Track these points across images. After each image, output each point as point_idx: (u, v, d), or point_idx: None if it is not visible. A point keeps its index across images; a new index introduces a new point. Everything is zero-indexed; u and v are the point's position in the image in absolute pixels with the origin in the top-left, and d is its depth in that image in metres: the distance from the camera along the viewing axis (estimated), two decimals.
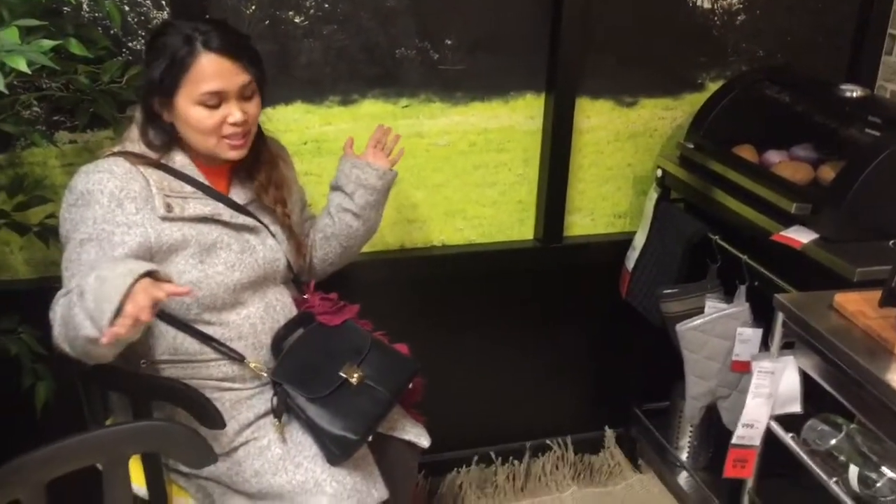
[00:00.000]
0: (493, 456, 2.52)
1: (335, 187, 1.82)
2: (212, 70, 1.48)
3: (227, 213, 1.57)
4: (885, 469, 1.44)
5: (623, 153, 2.37)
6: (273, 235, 1.65)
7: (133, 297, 1.20)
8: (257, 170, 1.64)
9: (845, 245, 1.72)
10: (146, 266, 1.26)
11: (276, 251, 1.64)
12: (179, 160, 1.56)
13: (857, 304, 1.51)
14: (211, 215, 1.55)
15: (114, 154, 1.52)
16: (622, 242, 2.38)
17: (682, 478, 2.33)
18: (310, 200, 2.10)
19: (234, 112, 1.52)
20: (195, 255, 1.52)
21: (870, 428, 1.42)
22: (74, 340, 1.30)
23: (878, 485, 1.45)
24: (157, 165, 1.53)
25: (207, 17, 1.86)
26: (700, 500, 2.23)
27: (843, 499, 1.44)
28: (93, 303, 1.22)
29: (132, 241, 1.45)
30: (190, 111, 1.50)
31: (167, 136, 1.55)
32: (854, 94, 1.96)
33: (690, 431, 2.33)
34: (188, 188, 1.54)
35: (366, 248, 2.21)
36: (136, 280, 1.22)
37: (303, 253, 1.72)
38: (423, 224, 2.28)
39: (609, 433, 2.61)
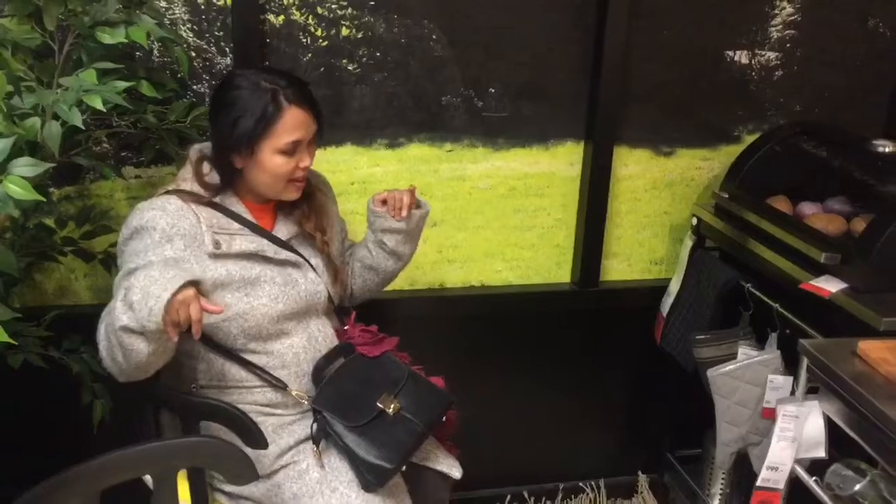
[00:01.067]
0: (525, 496, 2.55)
1: (370, 227, 1.89)
2: (295, 122, 1.61)
3: (270, 250, 1.67)
4: None
5: (660, 201, 2.44)
6: (314, 269, 1.74)
7: (174, 304, 1.36)
8: (301, 201, 1.74)
9: (873, 295, 1.75)
10: (193, 274, 1.40)
11: (318, 284, 1.73)
12: (227, 199, 1.67)
13: (880, 352, 1.55)
14: (256, 251, 1.65)
15: (168, 192, 1.63)
16: (658, 288, 2.43)
17: None
18: (355, 237, 2.21)
19: (305, 158, 1.66)
20: (241, 289, 1.62)
21: (892, 473, 1.44)
22: (111, 341, 1.41)
23: None
24: (208, 203, 1.64)
25: (270, 66, 1.99)
26: None
27: None
28: (139, 294, 1.36)
29: None
30: (270, 160, 1.61)
31: (229, 181, 1.66)
32: (887, 150, 2.00)
33: (722, 479, 2.34)
34: (235, 225, 1.65)
35: (407, 286, 2.31)
36: (183, 286, 1.36)
37: (341, 281, 1.81)
38: (462, 264, 2.36)
39: (642, 478, 2.63)
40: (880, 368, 1.52)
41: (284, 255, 1.69)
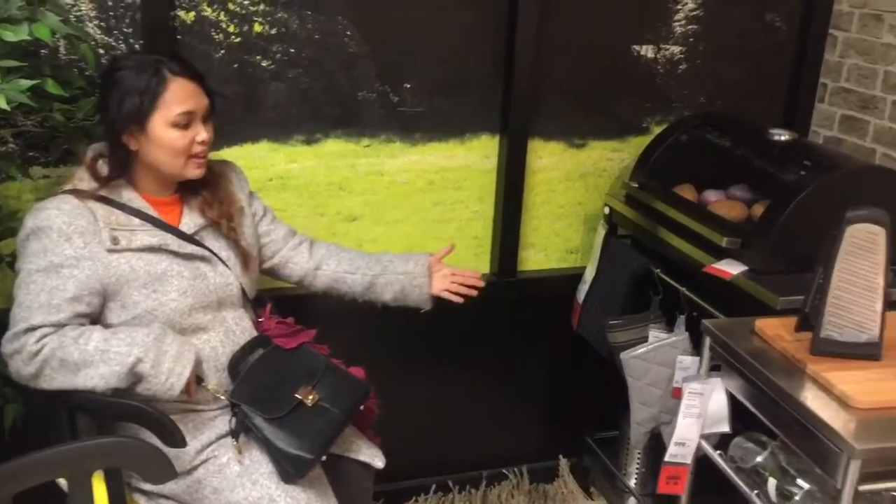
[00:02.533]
0: (450, 485, 2.59)
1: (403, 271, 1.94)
2: (183, 92, 1.62)
3: (174, 243, 1.67)
4: (801, 482, 1.54)
5: (574, 192, 2.50)
6: (224, 262, 1.74)
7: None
8: (203, 189, 1.75)
9: (771, 276, 1.85)
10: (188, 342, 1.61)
11: (228, 277, 1.73)
12: (126, 195, 1.66)
13: (776, 329, 1.63)
14: (159, 245, 1.64)
15: (63, 192, 1.62)
16: (573, 276, 2.50)
17: (631, 503, 2.42)
18: None
19: (201, 132, 1.66)
20: (147, 285, 1.62)
21: (789, 444, 1.53)
22: (50, 364, 1.51)
23: (796, 497, 1.55)
24: (105, 201, 1.63)
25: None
26: None
27: None
28: (150, 367, 1.54)
29: (80, 273, 1.56)
30: (164, 133, 1.61)
31: (122, 167, 1.65)
32: (783, 138, 2.11)
33: (638, 458, 2.43)
34: (136, 221, 1.64)
35: None
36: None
37: (249, 269, 1.80)
38: None
39: (563, 462, 2.70)
40: (776, 345, 1.61)
41: (190, 248, 1.69)
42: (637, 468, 2.44)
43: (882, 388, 1.46)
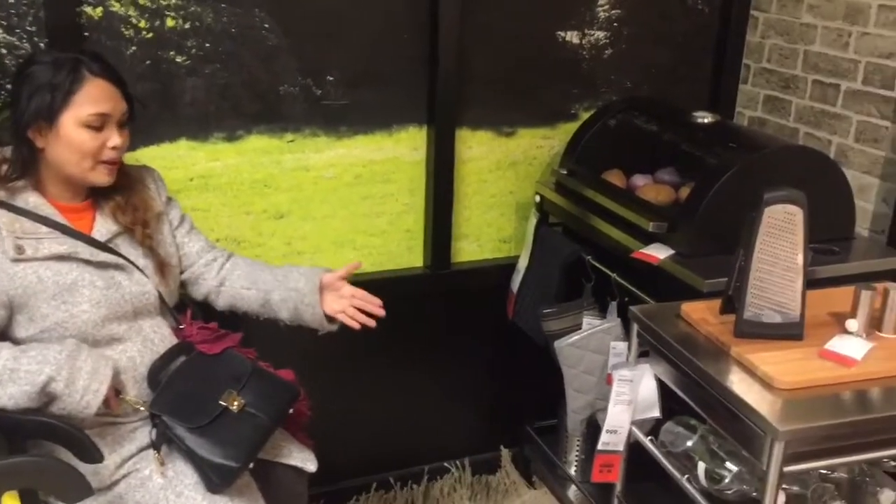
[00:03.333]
0: (392, 481, 2.56)
1: (282, 289, 1.81)
2: (99, 93, 1.56)
3: (86, 251, 1.59)
4: (729, 464, 1.55)
5: (505, 181, 2.48)
6: (141, 270, 1.67)
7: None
8: (115, 194, 1.68)
9: (697, 259, 1.85)
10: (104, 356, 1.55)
11: (145, 285, 1.67)
12: (33, 200, 1.59)
13: (700, 313, 1.64)
14: (67, 254, 1.57)
15: None
16: (508, 266, 2.48)
17: (572, 491, 2.42)
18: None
19: (114, 137, 1.59)
20: (56, 296, 1.55)
21: (717, 428, 1.53)
22: None
23: (726, 480, 1.56)
24: (8, 207, 1.55)
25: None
26: None
27: (693, 494, 1.54)
28: (63, 385, 1.47)
29: None
30: (74, 133, 1.55)
31: (25, 165, 1.58)
32: (706, 121, 2.12)
33: (578, 446, 2.43)
34: (44, 229, 1.57)
35: None
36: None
37: (167, 278, 1.74)
38: (312, 255, 2.33)
39: (505, 453, 2.69)
40: (701, 328, 1.61)
41: (103, 256, 1.62)
42: (577, 456, 2.44)
43: (804, 368, 1.47)
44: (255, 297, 1.82)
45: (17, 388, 1.45)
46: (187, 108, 2.09)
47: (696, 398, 1.54)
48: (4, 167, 1.59)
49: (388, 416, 2.53)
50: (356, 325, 1.79)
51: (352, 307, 1.79)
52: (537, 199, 2.39)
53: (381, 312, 1.80)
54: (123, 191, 1.70)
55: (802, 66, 2.36)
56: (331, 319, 1.81)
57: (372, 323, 1.79)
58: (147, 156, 2.06)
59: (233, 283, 1.84)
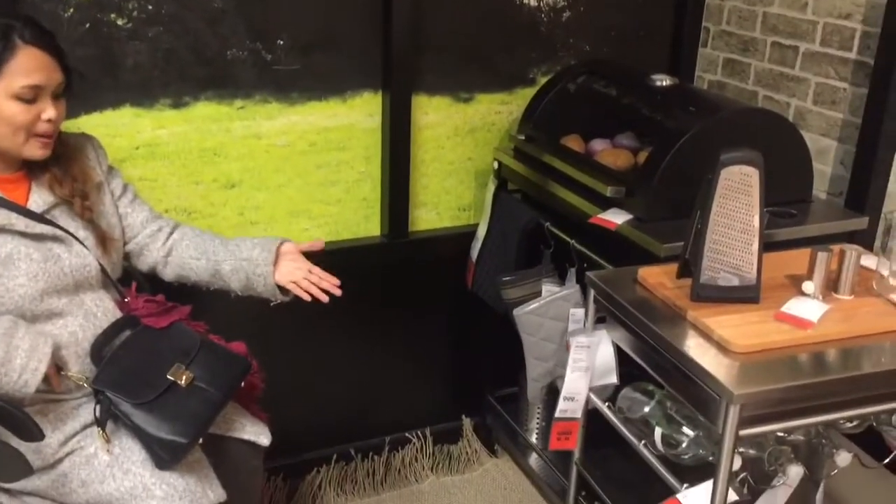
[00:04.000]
0: (352, 453, 2.53)
1: (235, 259, 1.74)
2: (33, 64, 1.47)
3: (21, 223, 1.53)
4: (686, 429, 1.54)
5: (463, 147, 2.44)
6: (81, 242, 1.61)
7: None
8: (52, 165, 1.60)
9: (655, 224, 1.83)
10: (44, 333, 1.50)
11: (85, 257, 1.60)
12: None
13: (657, 277, 1.62)
14: (1, 226, 1.50)
15: None
16: (467, 234, 2.44)
17: (533, 459, 2.41)
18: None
19: (48, 109, 1.51)
20: None
21: (673, 393, 1.52)
22: None
23: (683, 445, 1.55)
24: None
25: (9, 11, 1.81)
26: (549, 479, 2.32)
27: (649, 459, 1.53)
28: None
29: None
30: (4, 105, 1.47)
31: None
32: (664, 83, 2.08)
33: (538, 413, 2.42)
34: None
35: None
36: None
37: (109, 251, 1.68)
38: (266, 225, 2.27)
39: (466, 422, 2.67)
40: (657, 293, 1.59)
41: (40, 228, 1.55)
42: (538, 423, 2.43)
43: (760, 331, 1.45)
44: (204, 268, 1.76)
45: None
46: (130, 74, 2.02)
47: (652, 363, 1.52)
48: None
49: (347, 387, 2.49)
50: (307, 297, 1.73)
51: (306, 280, 1.73)
52: (496, 165, 2.35)
53: (338, 292, 1.74)
54: (61, 161, 1.62)
55: (761, 29, 2.34)
56: (284, 290, 1.75)
57: (325, 298, 1.73)
58: (89, 123, 1.98)
59: (180, 253, 1.78)
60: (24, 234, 1.53)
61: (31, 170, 1.60)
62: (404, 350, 2.54)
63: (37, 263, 1.53)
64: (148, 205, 1.81)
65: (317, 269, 1.75)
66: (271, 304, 1.77)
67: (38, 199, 1.58)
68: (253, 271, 1.72)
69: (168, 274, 1.80)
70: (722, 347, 1.43)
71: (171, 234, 1.80)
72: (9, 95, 1.47)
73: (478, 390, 2.63)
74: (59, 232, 1.58)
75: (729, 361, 1.40)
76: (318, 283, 1.73)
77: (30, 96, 1.48)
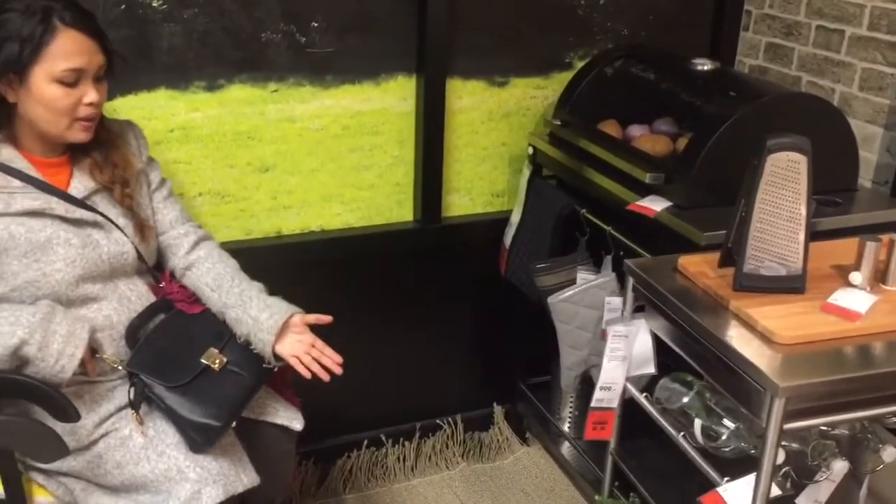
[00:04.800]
0: (383, 439, 2.53)
1: (242, 312, 1.66)
2: (73, 47, 1.46)
3: (60, 208, 1.52)
4: (726, 421, 1.51)
5: (497, 132, 2.41)
6: (120, 228, 1.60)
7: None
8: (94, 150, 1.60)
9: (695, 211, 1.79)
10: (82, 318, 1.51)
11: (124, 244, 1.60)
12: (6, 153, 1.51)
13: (698, 266, 1.58)
14: (41, 209, 1.50)
15: None
16: (500, 220, 2.42)
17: (566, 448, 2.39)
18: (180, 189, 2.08)
19: (90, 92, 1.50)
20: (29, 254, 1.48)
21: (714, 384, 1.49)
22: None
23: (723, 437, 1.51)
24: None
25: None
26: (582, 468, 2.30)
27: (689, 452, 1.50)
28: (36, 349, 1.42)
29: None
30: (45, 89, 1.46)
31: (1, 121, 1.49)
32: (705, 68, 2.04)
33: (571, 402, 2.40)
34: (16, 183, 1.50)
35: (241, 236, 2.21)
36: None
37: (147, 238, 1.67)
38: (299, 210, 2.26)
39: (497, 409, 2.65)
40: (698, 282, 1.55)
41: (80, 213, 1.55)
42: (570, 412, 2.41)
43: (806, 322, 1.42)
44: (214, 302, 1.68)
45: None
46: (165, 56, 2.01)
47: (693, 353, 1.49)
48: None
49: (379, 372, 2.48)
50: (307, 374, 1.64)
51: (308, 355, 1.64)
52: (530, 150, 2.32)
53: (339, 370, 1.66)
54: (103, 147, 1.62)
55: (806, 12, 2.27)
56: (278, 357, 1.65)
57: (326, 377, 1.64)
58: (124, 106, 1.98)
59: (199, 275, 1.72)
60: (63, 219, 1.53)
61: (73, 154, 1.60)
62: (436, 336, 2.53)
63: (75, 249, 1.52)
64: (180, 204, 1.79)
65: (319, 344, 1.66)
66: (263, 365, 1.67)
67: (80, 184, 1.58)
68: (255, 333, 1.62)
69: (184, 282, 1.74)
70: (766, 338, 1.39)
71: (195, 245, 1.75)
72: (50, 79, 1.46)
73: (509, 378, 2.61)
74: (98, 218, 1.57)
75: (773, 353, 1.37)
76: (320, 359, 1.65)
77: (71, 80, 1.47)
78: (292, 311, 1.67)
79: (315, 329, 1.72)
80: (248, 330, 1.63)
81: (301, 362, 1.64)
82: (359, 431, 2.50)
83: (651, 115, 2.20)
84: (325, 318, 1.70)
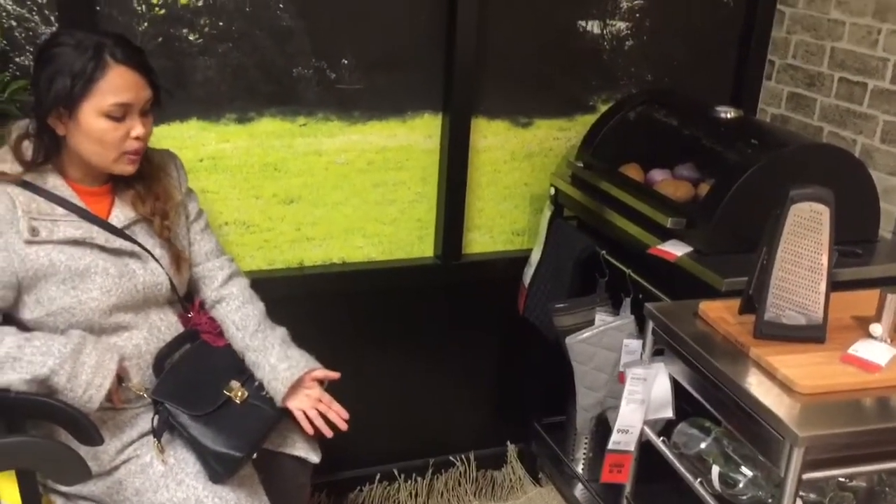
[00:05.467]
0: (396, 473, 2.53)
1: (263, 357, 1.69)
2: (122, 82, 1.50)
3: (101, 237, 1.55)
4: (744, 469, 1.50)
5: (520, 172, 2.44)
6: (157, 259, 1.63)
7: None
8: (136, 182, 1.64)
9: (716, 257, 1.80)
10: (109, 349, 1.53)
11: (159, 275, 1.63)
12: (52, 181, 1.54)
13: (719, 312, 1.59)
14: (83, 238, 1.53)
15: None
16: (520, 259, 2.43)
17: (579, 490, 2.38)
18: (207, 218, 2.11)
19: (136, 126, 1.54)
20: (67, 281, 1.51)
21: (732, 431, 1.49)
22: None
23: (740, 485, 1.51)
24: (28, 186, 1.51)
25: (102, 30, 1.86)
26: None
27: (706, 498, 1.50)
28: (66, 379, 1.45)
29: None
30: (94, 123, 1.49)
31: (48, 152, 1.53)
32: (728, 116, 2.06)
33: (585, 443, 2.39)
34: (60, 210, 1.53)
35: (263, 266, 2.24)
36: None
37: (182, 270, 1.70)
38: (322, 242, 2.29)
39: (511, 448, 2.65)
40: (719, 328, 1.56)
41: (119, 243, 1.58)
42: (584, 454, 2.40)
43: (826, 372, 1.42)
44: (238, 341, 1.71)
45: (17, 377, 1.43)
46: (199, 88, 2.05)
47: (712, 399, 1.49)
48: (26, 143, 1.54)
49: (393, 407, 2.49)
50: (310, 431, 1.67)
51: (314, 409, 1.67)
52: (552, 191, 2.34)
53: (343, 426, 1.69)
54: (145, 179, 1.65)
55: (829, 64, 2.30)
56: (283, 410, 1.68)
57: (329, 433, 1.67)
58: (157, 135, 1.99)
59: (227, 311, 1.75)
60: (102, 248, 1.56)
61: (115, 184, 1.63)
62: (452, 372, 2.53)
63: (112, 278, 1.55)
64: (215, 237, 1.82)
65: (326, 398, 1.69)
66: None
67: (120, 214, 1.61)
68: (270, 381, 1.66)
69: (212, 314, 1.77)
70: (786, 387, 1.40)
71: (227, 280, 1.78)
72: (99, 113, 1.49)
73: (524, 416, 2.61)
74: (136, 248, 1.60)
75: (792, 402, 1.37)
76: (326, 413, 1.68)
77: (119, 114, 1.51)
78: (310, 367, 1.70)
79: (332, 366, 1.75)
80: (262, 375, 1.67)
81: (306, 416, 1.66)
82: (372, 465, 2.51)
83: (673, 160, 2.23)
84: (333, 375, 1.74)
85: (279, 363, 1.67)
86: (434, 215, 2.38)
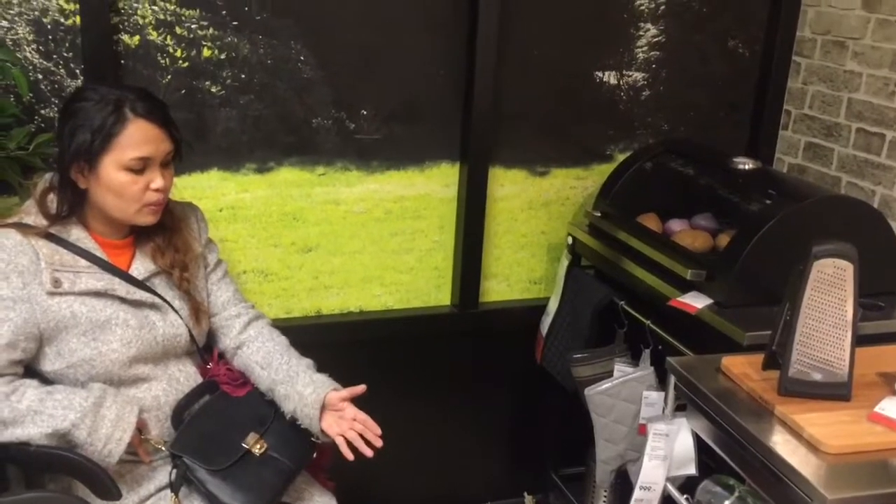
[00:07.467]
0: None
1: (291, 391, 1.67)
2: (141, 136, 1.51)
3: (122, 289, 1.56)
4: None
5: (537, 221, 2.44)
6: (176, 311, 1.64)
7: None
8: (156, 234, 1.64)
9: (737, 310, 1.79)
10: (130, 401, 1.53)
11: (179, 327, 1.63)
12: (76, 233, 1.56)
13: (742, 367, 1.57)
14: (104, 290, 1.54)
15: (6, 226, 1.52)
16: (537, 308, 2.43)
17: None
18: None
19: (156, 179, 1.55)
20: (87, 333, 1.52)
21: (757, 489, 1.46)
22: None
23: None
24: (51, 238, 1.52)
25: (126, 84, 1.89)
26: None
27: None
28: (86, 434, 1.45)
29: (17, 317, 1.46)
30: (114, 176, 1.51)
31: (72, 205, 1.55)
32: (747, 167, 2.06)
33: (605, 496, 2.35)
34: (82, 262, 1.54)
35: (281, 314, 2.24)
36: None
37: (201, 322, 1.70)
38: (339, 290, 2.30)
39: (528, 499, 2.61)
40: (742, 384, 1.54)
41: (140, 295, 1.58)
42: None
43: (853, 432, 1.40)
44: (264, 380, 1.70)
45: (38, 431, 1.43)
46: (220, 139, 2.08)
47: (736, 457, 1.47)
48: (51, 196, 1.56)
49: (410, 455, 2.46)
50: (350, 456, 1.62)
51: (352, 430, 1.63)
52: (569, 240, 2.34)
53: (379, 443, 1.65)
54: (166, 231, 1.66)
55: (846, 115, 2.31)
56: (325, 434, 1.65)
57: (369, 452, 1.63)
58: (178, 185, 1.99)
59: (249, 354, 1.73)
60: (123, 300, 1.56)
61: (137, 237, 1.64)
62: (469, 421, 2.52)
63: (132, 330, 1.56)
64: (234, 284, 1.82)
65: (360, 416, 1.66)
66: (311, 439, 1.70)
67: (141, 266, 1.62)
68: (301, 408, 1.64)
69: (234, 363, 1.76)
70: (812, 446, 1.37)
71: (246, 325, 1.77)
72: (119, 167, 1.51)
73: (542, 467, 2.58)
74: (157, 300, 1.61)
75: (819, 462, 1.35)
76: (363, 433, 1.64)
77: (138, 167, 1.52)
78: (333, 385, 1.68)
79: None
80: (294, 406, 1.65)
81: (346, 440, 1.62)
82: None
83: (690, 211, 2.23)
84: (358, 390, 1.69)
85: (305, 389, 1.64)
86: (451, 264, 2.39)
